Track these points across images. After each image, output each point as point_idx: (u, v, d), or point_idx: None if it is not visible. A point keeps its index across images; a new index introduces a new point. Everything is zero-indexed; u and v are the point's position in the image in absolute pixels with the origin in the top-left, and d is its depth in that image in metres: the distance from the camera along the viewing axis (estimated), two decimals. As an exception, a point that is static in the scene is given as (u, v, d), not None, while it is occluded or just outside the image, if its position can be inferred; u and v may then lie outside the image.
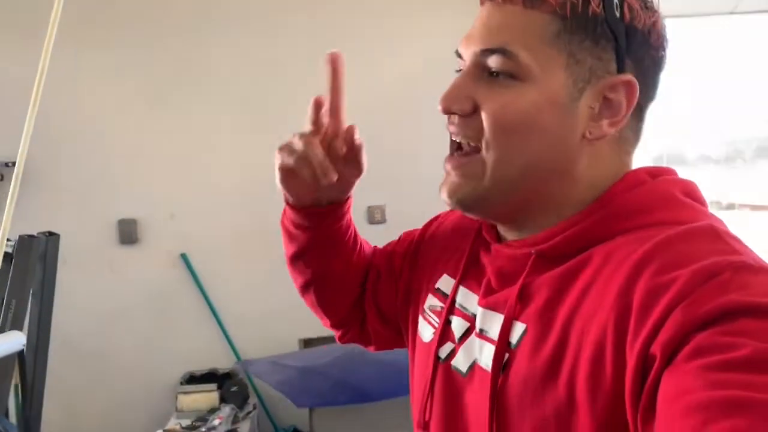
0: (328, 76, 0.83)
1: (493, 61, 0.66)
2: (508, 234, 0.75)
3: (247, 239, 3.27)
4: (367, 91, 3.31)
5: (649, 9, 0.66)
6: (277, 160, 0.84)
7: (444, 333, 0.78)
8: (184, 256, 3.27)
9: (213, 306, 3.27)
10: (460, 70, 0.71)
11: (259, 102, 3.29)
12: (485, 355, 0.69)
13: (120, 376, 3.24)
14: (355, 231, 0.95)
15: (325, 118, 0.83)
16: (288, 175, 0.84)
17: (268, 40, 3.29)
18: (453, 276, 0.82)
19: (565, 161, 0.67)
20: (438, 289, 0.84)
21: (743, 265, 0.54)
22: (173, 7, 3.26)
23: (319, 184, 0.81)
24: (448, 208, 0.79)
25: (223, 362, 3.27)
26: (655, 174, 0.68)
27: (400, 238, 1.00)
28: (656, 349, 0.52)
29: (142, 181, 3.26)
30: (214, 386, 3.09)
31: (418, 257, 0.92)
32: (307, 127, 0.83)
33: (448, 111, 0.70)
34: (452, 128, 0.71)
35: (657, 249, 0.58)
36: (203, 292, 3.26)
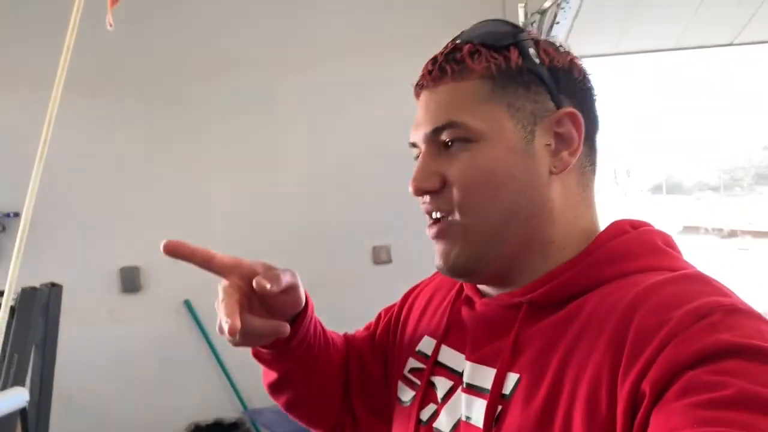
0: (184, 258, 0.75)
1: (445, 135, 0.71)
2: (493, 290, 0.76)
3: (251, 283, 3.23)
4: (368, 131, 3.32)
5: (562, 50, 0.74)
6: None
7: (426, 394, 0.78)
8: (187, 303, 3.22)
9: (217, 353, 3.21)
10: (418, 156, 0.75)
11: (259, 150, 3.30)
12: (475, 410, 0.69)
13: (123, 429, 3.16)
14: (322, 331, 0.89)
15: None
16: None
17: (269, 86, 3.31)
18: (434, 336, 0.83)
19: (541, 200, 0.70)
20: (419, 351, 0.84)
21: (733, 308, 0.56)
22: (172, 59, 3.28)
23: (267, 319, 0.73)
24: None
25: (230, 411, 3.19)
26: (636, 225, 0.72)
27: (378, 316, 1.00)
28: (646, 386, 0.53)
29: (143, 227, 3.23)
30: (220, 437, 3.02)
31: (398, 329, 0.93)
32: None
33: (420, 192, 0.73)
34: (426, 206, 0.74)
35: (649, 291, 0.60)
36: (207, 340, 3.21)
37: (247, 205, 3.27)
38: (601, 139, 0.77)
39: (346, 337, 0.99)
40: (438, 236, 0.73)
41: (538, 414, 0.62)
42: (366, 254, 3.29)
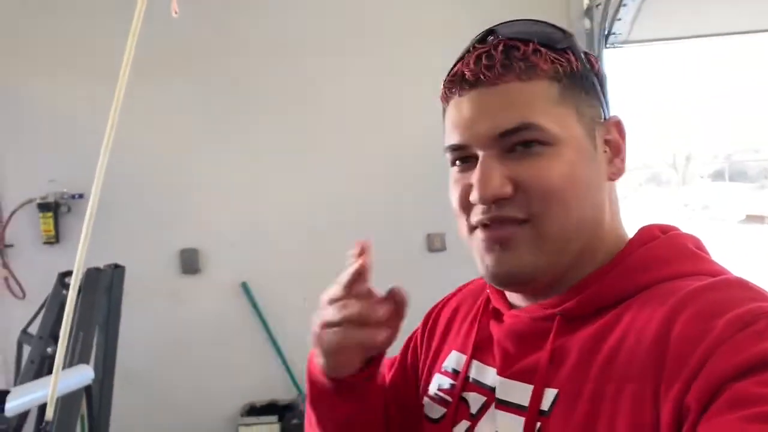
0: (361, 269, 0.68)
1: (519, 137, 0.66)
2: (522, 301, 0.74)
3: (306, 266, 3.25)
4: (425, 119, 3.27)
5: (594, 58, 0.73)
6: (317, 342, 0.71)
7: (458, 410, 0.75)
8: (244, 285, 3.27)
9: (273, 335, 3.25)
10: (461, 159, 0.71)
11: (316, 136, 3.30)
12: (512, 427, 0.67)
13: (181, 407, 3.24)
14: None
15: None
16: (336, 351, 0.70)
17: (328, 71, 3.30)
18: (463, 351, 0.79)
19: (601, 207, 0.70)
20: (446, 367, 0.81)
21: None
22: (235, 44, 3.30)
23: (369, 346, 0.69)
24: None
25: (284, 393, 3.23)
26: (665, 230, 0.71)
27: (404, 345, 0.93)
28: (691, 398, 0.52)
29: (203, 210, 3.29)
30: (275, 418, 3.06)
31: (423, 349, 0.89)
32: (336, 292, 0.69)
33: (493, 199, 0.66)
34: (488, 216, 0.67)
35: (689, 299, 0.58)
36: (263, 322, 3.25)
37: (304, 193, 3.28)
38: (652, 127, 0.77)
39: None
40: (504, 243, 0.67)
41: (579, 430, 0.60)
42: (420, 242, 3.28)
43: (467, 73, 0.69)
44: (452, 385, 0.78)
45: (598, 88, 0.71)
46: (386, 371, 0.91)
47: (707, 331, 0.54)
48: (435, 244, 3.25)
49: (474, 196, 0.67)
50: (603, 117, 0.71)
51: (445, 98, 0.73)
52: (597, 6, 3.13)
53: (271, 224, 3.29)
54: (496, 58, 0.67)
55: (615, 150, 0.72)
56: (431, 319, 0.91)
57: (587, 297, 0.66)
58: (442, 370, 0.82)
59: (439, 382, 0.81)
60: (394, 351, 0.95)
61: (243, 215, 3.29)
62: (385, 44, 3.31)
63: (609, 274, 0.67)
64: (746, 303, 0.56)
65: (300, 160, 3.30)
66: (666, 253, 0.67)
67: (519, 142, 0.66)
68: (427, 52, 3.29)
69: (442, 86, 0.73)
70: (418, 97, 3.34)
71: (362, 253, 0.68)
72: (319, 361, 0.73)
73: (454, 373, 0.79)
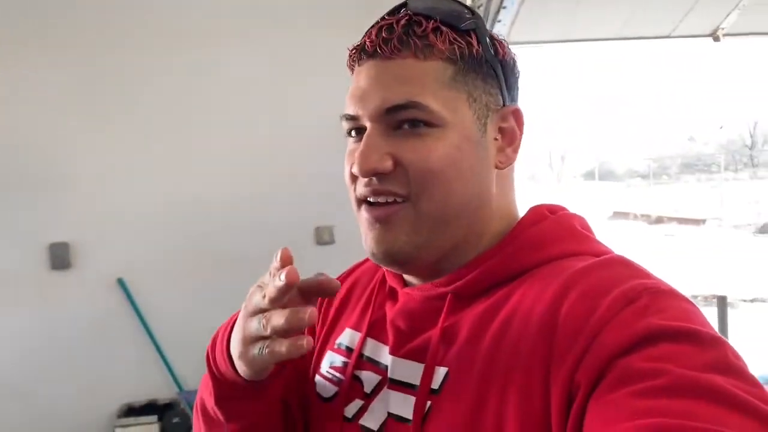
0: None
1: (405, 115, 0.66)
2: (415, 279, 0.74)
3: (187, 263, 3.15)
4: (316, 108, 3.26)
5: (506, 43, 0.73)
6: (242, 355, 0.64)
7: (351, 389, 0.74)
8: (120, 281, 3.11)
9: (152, 333, 3.12)
10: (355, 130, 0.71)
11: (195, 124, 3.19)
12: (404, 407, 0.66)
13: (52, 411, 3.03)
14: None
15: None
16: (263, 364, 0.64)
17: (206, 61, 3.20)
18: (357, 329, 0.78)
19: (486, 193, 0.70)
20: (339, 344, 0.79)
21: (658, 290, 0.56)
22: (109, 28, 3.12)
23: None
24: None
25: (164, 392, 3.11)
26: (553, 210, 0.73)
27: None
28: (581, 376, 0.53)
29: (75, 202, 3.09)
30: (154, 418, 2.94)
31: (317, 331, 0.85)
32: (261, 304, 0.61)
33: (371, 173, 0.67)
34: (369, 189, 0.68)
35: (576, 278, 0.60)
36: (141, 319, 3.11)
37: (185, 186, 3.16)
38: (532, 127, 0.79)
39: None
40: (383, 220, 0.68)
41: (469, 408, 0.60)
42: (308, 235, 3.25)
43: (367, 44, 0.69)
44: (345, 363, 0.77)
45: (500, 75, 0.70)
46: None
47: (593, 309, 0.55)
48: (323, 237, 3.24)
49: (355, 169, 0.67)
50: (502, 104, 0.71)
51: (350, 67, 0.73)
52: (479, 7, 3.24)
53: (150, 218, 3.14)
54: (396, 32, 0.67)
55: (509, 139, 0.71)
56: (325, 301, 0.88)
57: (478, 275, 0.67)
58: (335, 347, 0.80)
59: (331, 360, 0.79)
60: None
61: (120, 208, 3.13)
62: (269, 34, 3.25)
63: (499, 253, 0.68)
64: (629, 280, 0.57)
65: (182, 152, 3.18)
66: (554, 233, 0.69)
67: (405, 120, 0.66)
68: (310, 42, 3.28)
69: (347, 55, 0.73)
70: (305, 88, 3.33)
71: (286, 262, 0.60)
72: (238, 367, 0.67)
73: (348, 351, 0.78)
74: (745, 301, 7.73)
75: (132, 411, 3.00)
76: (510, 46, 0.74)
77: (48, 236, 3.06)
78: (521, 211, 0.74)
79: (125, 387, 3.09)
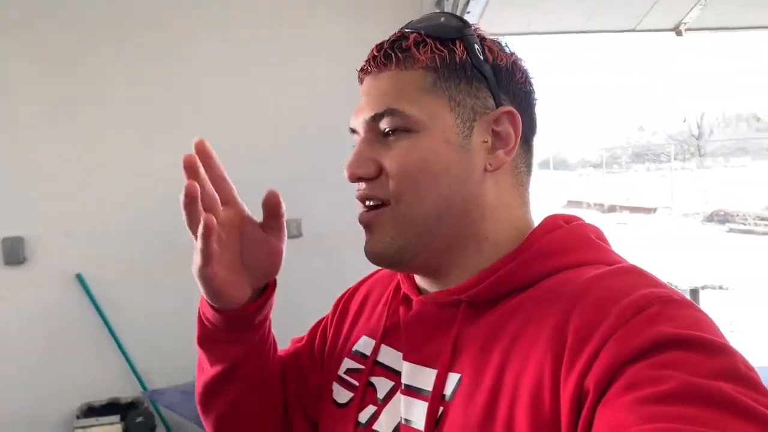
0: (198, 169, 0.72)
1: (384, 123, 0.70)
2: (430, 286, 0.75)
3: (149, 258, 3.06)
4: (281, 101, 3.20)
5: (507, 50, 0.74)
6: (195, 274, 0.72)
7: (364, 395, 0.76)
8: (79, 277, 3.00)
9: (113, 330, 3.02)
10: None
11: (159, 116, 3.10)
12: (415, 412, 0.68)
13: (6, 413, 2.92)
14: (273, 333, 0.86)
15: (219, 210, 0.74)
16: (207, 274, 0.71)
17: (167, 50, 3.11)
18: (372, 336, 0.80)
19: (474, 197, 0.70)
20: (356, 351, 0.82)
21: (669, 299, 0.57)
22: (63, 18, 2.99)
23: (241, 259, 0.74)
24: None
25: (126, 391, 3.02)
26: (568, 220, 0.74)
27: (311, 328, 0.96)
28: (590, 382, 0.53)
29: (30, 195, 2.96)
30: (116, 418, 2.85)
31: (332, 333, 0.90)
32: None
33: (355, 178, 0.72)
34: (359, 193, 0.73)
35: (587, 287, 0.61)
36: (102, 316, 3.01)
37: (147, 176, 3.06)
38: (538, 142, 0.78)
39: (285, 351, 0.93)
40: (369, 224, 0.72)
41: (480, 414, 0.61)
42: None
43: (364, 63, 0.75)
44: (360, 370, 0.78)
45: (492, 78, 0.71)
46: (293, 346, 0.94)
47: (604, 317, 0.56)
48: (291, 230, 3.18)
49: (344, 174, 0.72)
50: (493, 107, 0.71)
51: (360, 84, 0.77)
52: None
53: (110, 212, 3.04)
54: (384, 48, 0.72)
55: (503, 141, 0.71)
56: (341, 304, 0.92)
57: (491, 283, 0.68)
58: (351, 354, 0.82)
59: (347, 367, 0.81)
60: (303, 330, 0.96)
61: (78, 201, 3.01)
62: (233, 24, 3.17)
63: (513, 262, 0.68)
64: (640, 289, 0.58)
65: (143, 144, 3.08)
66: (568, 243, 0.70)
67: (387, 127, 0.70)
68: (282, 36, 3.21)
69: None
70: (270, 81, 3.26)
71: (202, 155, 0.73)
72: (205, 294, 0.73)
73: (363, 358, 0.79)
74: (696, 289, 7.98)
75: (92, 411, 2.91)
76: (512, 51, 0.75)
77: (1, 230, 2.93)
78: (537, 220, 0.75)
79: (84, 386, 3.00)
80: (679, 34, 3.42)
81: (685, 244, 11.10)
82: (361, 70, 0.76)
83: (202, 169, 0.72)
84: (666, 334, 0.53)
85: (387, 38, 0.74)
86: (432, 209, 0.69)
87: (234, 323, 0.76)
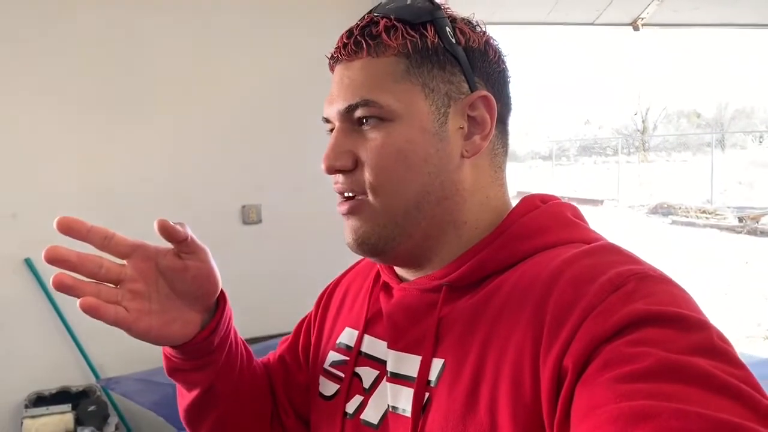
0: (65, 254, 0.67)
1: (359, 113, 0.69)
2: (410, 274, 0.76)
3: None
4: (246, 89, 3.15)
5: (478, 29, 0.73)
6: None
7: (351, 386, 0.77)
8: (28, 261, 2.88)
9: (63, 317, 2.92)
10: (331, 131, 0.74)
11: (113, 97, 2.99)
12: (402, 399, 0.68)
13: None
14: (243, 341, 0.85)
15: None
16: (142, 333, 0.70)
17: (129, 29, 3.00)
18: (355, 327, 0.81)
19: (452, 183, 0.70)
20: (340, 343, 0.82)
21: (645, 275, 0.57)
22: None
23: (170, 296, 0.71)
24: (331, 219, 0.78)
25: (78, 379, 2.93)
26: (545, 200, 0.74)
27: (298, 325, 0.96)
28: (568, 362, 0.53)
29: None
30: (67, 407, 2.76)
31: (316, 330, 0.90)
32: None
33: (332, 170, 0.71)
34: (338, 186, 0.72)
35: (565, 266, 0.61)
36: (52, 301, 2.90)
37: (105, 160, 2.97)
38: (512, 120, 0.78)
39: (263, 361, 0.93)
40: (348, 214, 0.72)
41: (463, 398, 0.61)
42: (235, 214, 3.14)
43: (335, 50, 0.73)
44: (345, 361, 0.79)
45: (465, 62, 0.70)
46: (279, 348, 0.95)
47: (581, 295, 0.56)
48: (250, 216, 3.14)
49: (322, 166, 0.71)
50: (468, 92, 0.70)
51: (331, 71, 0.75)
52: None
53: (63, 195, 2.92)
54: (354, 35, 0.71)
55: (479, 126, 0.71)
56: (323, 299, 0.92)
57: (471, 266, 0.68)
58: (336, 347, 0.82)
59: (332, 359, 0.82)
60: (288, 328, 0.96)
61: (28, 183, 2.89)
62: (194, 7, 3.09)
63: (492, 244, 0.68)
64: (617, 266, 0.58)
65: (101, 128, 2.97)
66: (545, 222, 0.70)
67: (362, 117, 0.69)
68: (242, 23, 3.15)
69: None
70: (236, 64, 3.19)
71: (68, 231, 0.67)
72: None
73: (347, 349, 0.80)
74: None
75: (42, 400, 2.81)
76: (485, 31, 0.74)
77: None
78: (514, 202, 0.75)
79: (33, 375, 2.89)
80: (636, 29, 3.51)
81: (631, 235, 11.42)
82: (331, 57, 0.74)
83: (72, 253, 0.66)
84: (642, 311, 0.53)
85: (356, 23, 0.72)
86: (411, 199, 0.69)
87: (194, 354, 0.75)
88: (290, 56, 3.19)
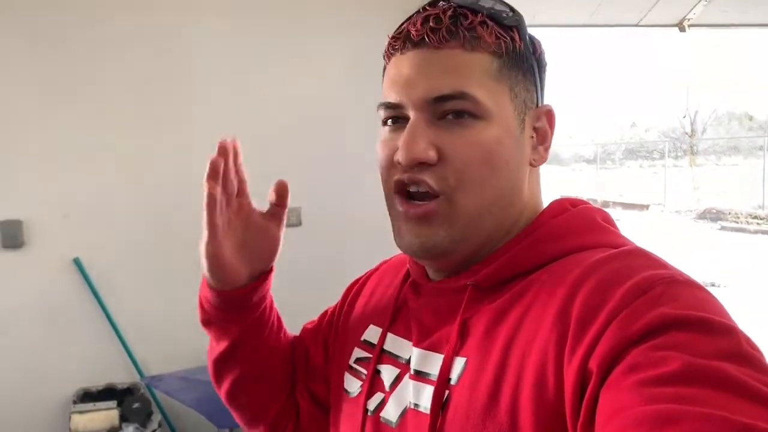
0: (229, 154, 0.80)
1: (452, 105, 0.67)
2: (439, 275, 0.75)
3: (148, 243, 3.03)
4: (284, 93, 3.18)
5: (536, 40, 0.73)
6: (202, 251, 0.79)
7: (372, 384, 0.77)
8: (77, 261, 2.97)
9: (110, 315, 3.00)
10: (393, 119, 0.71)
11: (161, 99, 3.06)
12: (423, 397, 0.68)
13: (2, 397, 2.89)
14: (278, 314, 0.91)
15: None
16: (215, 249, 0.77)
17: (168, 34, 3.07)
18: (380, 325, 0.81)
19: (519, 190, 0.71)
20: (365, 341, 0.83)
21: (673, 280, 0.57)
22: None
23: (244, 243, 0.79)
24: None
25: (123, 377, 3.01)
26: (575, 204, 0.73)
27: (323, 313, 0.98)
28: (593, 364, 0.53)
29: (29, 177, 2.93)
30: (113, 403, 2.84)
31: (341, 321, 0.91)
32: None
33: (415, 163, 0.67)
34: (407, 176, 0.69)
35: (592, 269, 0.60)
36: (99, 301, 2.98)
37: (148, 161, 3.04)
38: None
39: (296, 336, 0.97)
40: (423, 218, 0.69)
41: (484, 397, 0.61)
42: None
43: (413, 33, 0.68)
44: (368, 359, 0.80)
45: (536, 73, 0.71)
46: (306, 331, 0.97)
47: (608, 299, 0.56)
48: (291, 219, 3.17)
49: (399, 156, 0.68)
50: (536, 103, 0.72)
51: (388, 55, 0.73)
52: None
53: (109, 195, 3.01)
54: (444, 23, 0.67)
55: (541, 138, 0.72)
56: (351, 293, 0.93)
57: (497, 267, 0.68)
58: (361, 343, 0.83)
59: (357, 356, 0.83)
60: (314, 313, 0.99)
61: (77, 185, 2.98)
62: (235, 14, 3.14)
63: (519, 245, 0.68)
64: (644, 271, 0.58)
65: (144, 128, 3.05)
66: (574, 226, 0.69)
67: (451, 110, 0.67)
68: (282, 26, 3.19)
69: (386, 43, 0.73)
70: (277, 68, 3.23)
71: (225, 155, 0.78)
72: (205, 275, 0.79)
73: (371, 347, 0.81)
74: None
75: (89, 396, 2.90)
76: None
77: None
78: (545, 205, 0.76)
79: (81, 372, 2.98)
80: (682, 29, 3.43)
81: (678, 241, 11.15)
82: (406, 38, 0.69)
83: (231, 157, 0.78)
84: (669, 315, 0.52)
85: (430, 8, 0.69)
86: (487, 201, 0.68)
87: (231, 303, 0.81)
88: (331, 59, 3.21)
